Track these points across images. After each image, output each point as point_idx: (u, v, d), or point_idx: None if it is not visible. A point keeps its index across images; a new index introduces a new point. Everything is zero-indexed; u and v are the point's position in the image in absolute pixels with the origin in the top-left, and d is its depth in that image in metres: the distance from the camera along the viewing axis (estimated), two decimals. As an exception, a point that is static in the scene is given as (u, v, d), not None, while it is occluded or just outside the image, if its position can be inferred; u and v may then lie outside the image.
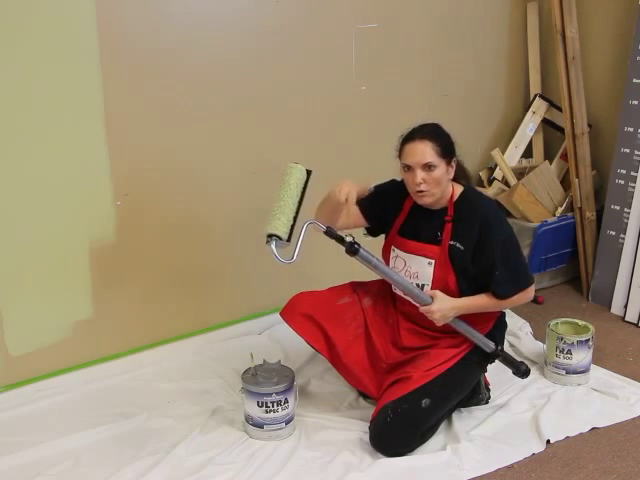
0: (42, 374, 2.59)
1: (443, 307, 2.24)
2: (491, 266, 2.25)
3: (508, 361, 2.49)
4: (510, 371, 2.53)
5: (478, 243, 2.26)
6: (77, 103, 2.46)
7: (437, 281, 2.30)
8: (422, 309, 2.25)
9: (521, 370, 2.52)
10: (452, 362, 2.30)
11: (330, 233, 2.16)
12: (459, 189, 2.34)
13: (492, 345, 2.37)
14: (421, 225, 2.35)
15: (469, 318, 2.32)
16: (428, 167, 2.21)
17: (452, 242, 2.28)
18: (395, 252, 2.39)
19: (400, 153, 2.28)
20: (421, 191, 2.24)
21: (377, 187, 2.45)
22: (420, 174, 2.21)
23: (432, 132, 2.26)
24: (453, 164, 2.28)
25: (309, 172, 2.30)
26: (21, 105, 2.37)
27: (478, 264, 2.27)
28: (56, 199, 2.50)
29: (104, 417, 2.43)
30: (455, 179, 2.33)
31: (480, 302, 2.30)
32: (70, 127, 2.47)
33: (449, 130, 2.31)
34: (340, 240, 2.17)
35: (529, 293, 2.35)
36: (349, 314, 2.43)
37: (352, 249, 2.16)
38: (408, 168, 2.25)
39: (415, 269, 2.34)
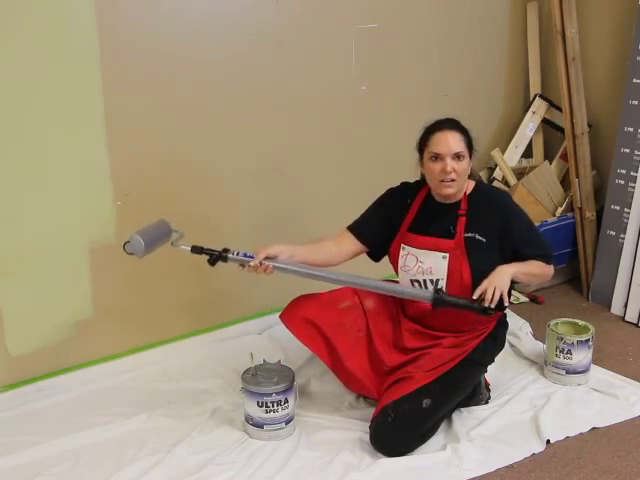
0: (42, 374, 2.59)
1: (496, 277, 2.25)
2: (520, 246, 2.33)
3: (455, 303, 2.24)
4: (510, 371, 2.52)
5: (503, 229, 2.31)
6: (77, 103, 2.46)
7: (452, 274, 2.31)
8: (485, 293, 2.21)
9: (476, 308, 2.22)
10: (453, 362, 2.30)
11: (195, 250, 2.29)
12: (471, 183, 2.39)
13: (429, 294, 2.25)
14: (432, 221, 2.37)
15: (470, 317, 2.31)
16: (457, 157, 2.26)
17: (469, 234, 2.31)
18: (405, 250, 2.39)
19: (426, 143, 2.31)
20: (448, 180, 2.27)
21: (371, 206, 2.49)
22: (450, 163, 2.25)
23: (459, 125, 2.32)
24: (472, 159, 2.33)
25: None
26: (21, 105, 2.37)
27: (506, 248, 2.32)
28: (56, 199, 2.50)
29: (104, 417, 2.43)
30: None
31: (529, 265, 2.35)
32: (70, 127, 2.47)
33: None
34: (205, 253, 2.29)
35: (552, 269, 2.43)
36: (350, 318, 2.42)
37: (221, 257, 2.26)
38: (436, 157, 2.27)
39: (428, 265, 2.34)
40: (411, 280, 2.37)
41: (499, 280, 2.24)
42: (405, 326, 2.42)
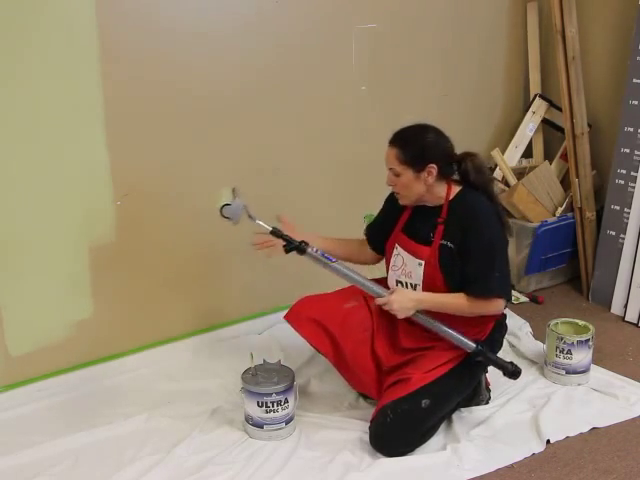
0: (42, 374, 2.59)
1: (401, 298, 2.24)
2: (467, 263, 2.25)
3: (492, 361, 2.35)
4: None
5: (464, 240, 2.26)
6: (77, 104, 2.46)
7: (427, 282, 2.30)
8: (378, 301, 2.26)
9: (509, 370, 2.35)
10: (453, 363, 2.30)
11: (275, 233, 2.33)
12: (455, 189, 2.33)
13: (472, 345, 2.28)
14: (419, 225, 2.37)
15: (465, 320, 2.30)
16: (393, 172, 2.29)
17: (443, 242, 2.29)
18: (397, 250, 2.40)
19: None
20: (395, 192, 2.35)
21: (378, 215, 2.56)
22: (389, 176, 2.32)
23: (403, 139, 2.28)
24: (431, 170, 2.24)
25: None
26: (22, 106, 2.37)
27: (462, 261, 2.27)
28: (56, 199, 2.50)
29: (104, 417, 2.43)
30: (465, 180, 2.34)
31: (445, 299, 2.27)
32: (70, 128, 2.47)
33: (449, 133, 2.32)
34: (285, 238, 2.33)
35: (497, 305, 2.28)
36: (356, 318, 2.41)
37: (299, 248, 2.30)
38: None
39: (409, 268, 2.35)
40: (396, 280, 2.38)
41: (401, 305, 2.24)
42: (403, 327, 2.41)
